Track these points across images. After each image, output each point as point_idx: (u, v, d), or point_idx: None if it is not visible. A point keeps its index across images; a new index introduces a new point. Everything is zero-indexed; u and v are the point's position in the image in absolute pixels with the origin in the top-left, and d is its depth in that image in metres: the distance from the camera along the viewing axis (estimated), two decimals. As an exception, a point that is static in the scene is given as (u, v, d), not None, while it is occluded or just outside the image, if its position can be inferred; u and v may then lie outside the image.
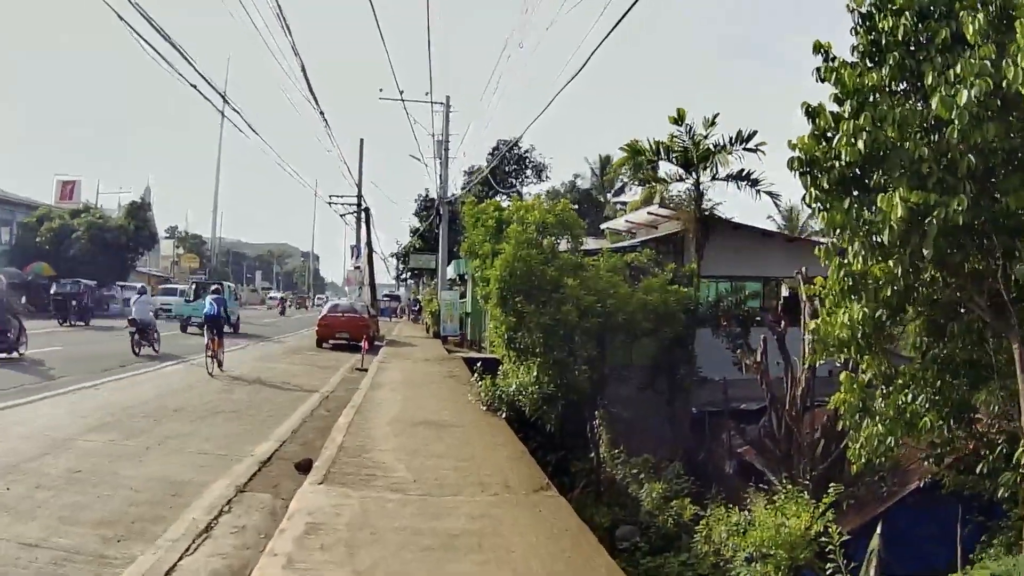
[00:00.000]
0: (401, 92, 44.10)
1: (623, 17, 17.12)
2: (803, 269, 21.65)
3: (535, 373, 18.58)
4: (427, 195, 70.77)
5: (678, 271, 26.27)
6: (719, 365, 27.03)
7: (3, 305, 24.19)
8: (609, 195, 70.90)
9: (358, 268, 54.83)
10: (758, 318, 28.73)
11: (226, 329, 30.21)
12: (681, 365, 26.20)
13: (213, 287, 34.87)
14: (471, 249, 24.27)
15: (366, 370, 26.90)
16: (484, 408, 17.79)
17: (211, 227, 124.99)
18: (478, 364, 21.58)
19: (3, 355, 23.26)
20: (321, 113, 32.32)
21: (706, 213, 29.31)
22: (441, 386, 22.47)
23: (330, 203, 52.60)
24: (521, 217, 22.72)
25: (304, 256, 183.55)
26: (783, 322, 23.08)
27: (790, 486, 17.56)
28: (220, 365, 24.77)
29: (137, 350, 27.67)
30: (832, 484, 16.32)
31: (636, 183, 61.55)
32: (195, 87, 23.83)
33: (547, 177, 70.22)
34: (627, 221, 37.86)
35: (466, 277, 42.91)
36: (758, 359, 21.77)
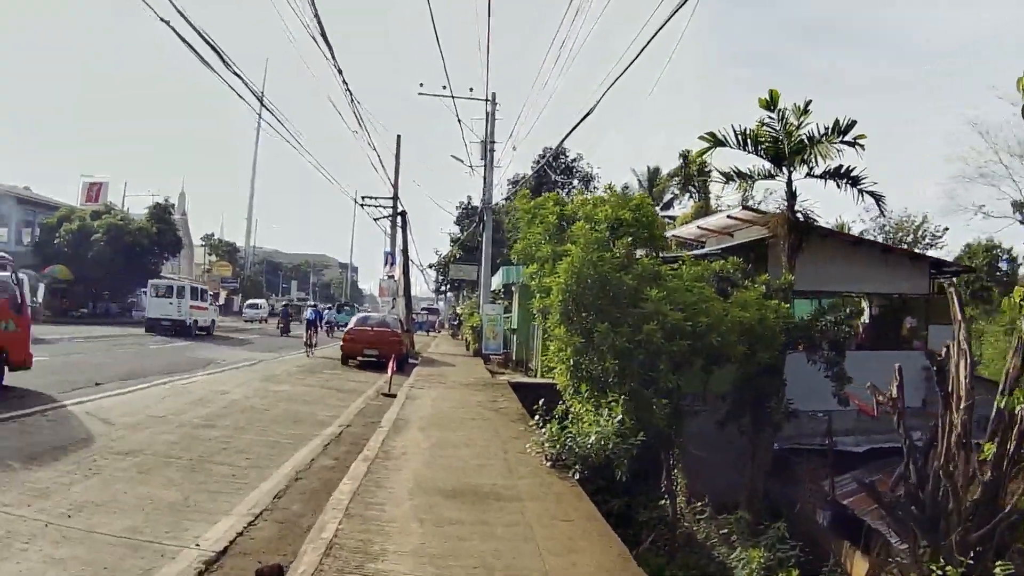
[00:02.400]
0: (444, 86, 41.21)
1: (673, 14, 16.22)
2: (953, 280, 17.24)
3: (619, 417, 13.63)
4: (469, 202, 68.45)
5: (770, 283, 21.79)
6: (808, 395, 22.55)
7: None
8: (658, 208, 67.05)
9: (392, 277, 50.96)
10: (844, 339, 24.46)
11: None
12: (772, 396, 21.58)
13: (311, 304, 54.07)
14: (526, 251, 19.69)
15: (394, 395, 22.56)
16: (547, 463, 12.99)
17: (245, 234, 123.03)
18: (540, 402, 15.95)
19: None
20: (339, 72, 27.79)
21: (799, 215, 24.95)
22: (486, 425, 17.60)
23: (363, 205, 48.46)
24: (589, 213, 18.40)
25: (342, 267, 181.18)
26: (946, 349, 18.31)
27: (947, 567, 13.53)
28: (314, 350, 38.53)
29: (308, 341, 39.55)
30: (1000, 564, 12.88)
31: (684, 196, 58.93)
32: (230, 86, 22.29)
33: (594, 188, 67.09)
34: (699, 227, 33.29)
35: (513, 289, 38.47)
36: (893, 394, 17.16)
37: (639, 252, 18.64)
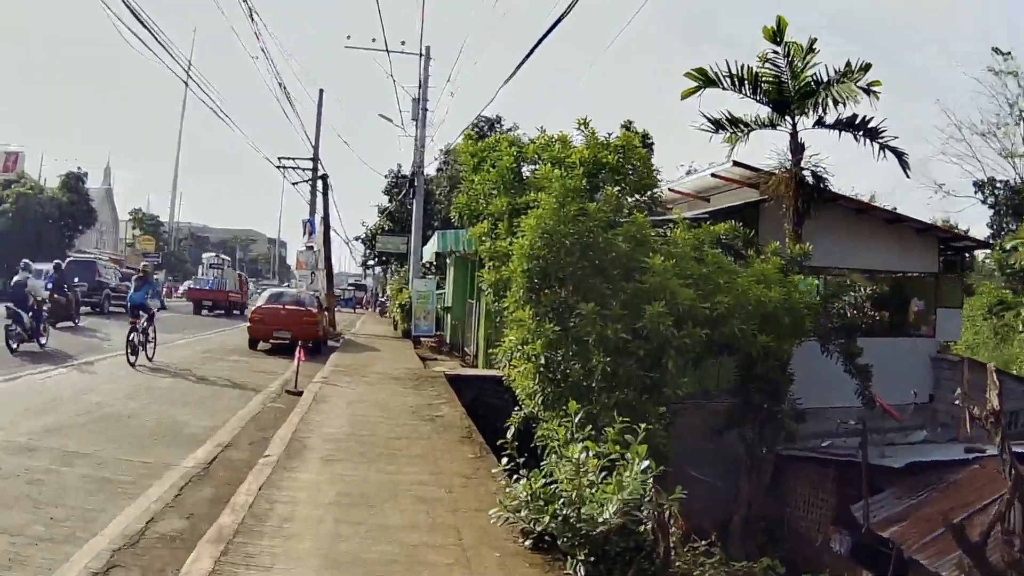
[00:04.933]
0: (373, 39, 37.21)
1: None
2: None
3: (646, 462, 7.33)
4: (399, 171, 63.80)
5: (783, 252, 17.34)
6: (808, 390, 18.30)
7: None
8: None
9: (311, 248, 45.66)
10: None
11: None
12: (781, 395, 17.23)
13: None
14: (471, 206, 14.69)
15: (300, 393, 17.58)
16: (524, 541, 7.31)
17: (169, 208, 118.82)
18: (508, 434, 9.47)
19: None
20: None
21: (805, 173, 20.64)
22: (421, 451, 11.99)
23: (281, 166, 43.20)
24: (558, 155, 13.50)
25: (271, 242, 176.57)
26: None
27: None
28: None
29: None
30: None
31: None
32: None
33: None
34: (670, 190, 28.22)
35: (448, 261, 33.62)
36: (995, 405, 12.31)
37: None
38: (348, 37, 39.30)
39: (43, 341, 22.56)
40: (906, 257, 24.91)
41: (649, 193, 14.70)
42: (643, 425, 7.50)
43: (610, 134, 14.54)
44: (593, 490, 6.99)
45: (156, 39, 21.47)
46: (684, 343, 11.22)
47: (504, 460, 8.25)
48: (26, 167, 69.04)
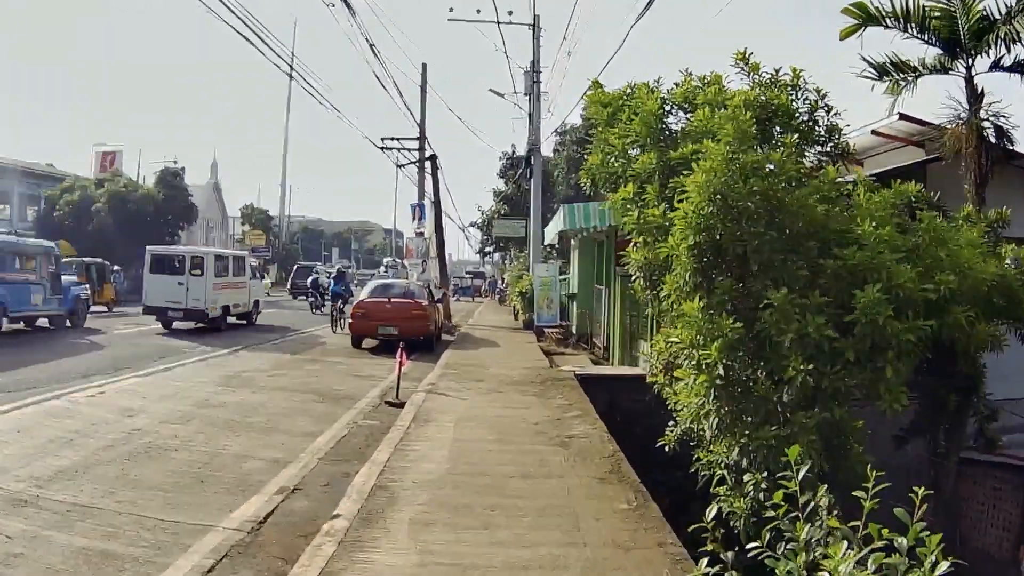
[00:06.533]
0: (478, 10, 35.13)
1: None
2: None
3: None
4: (513, 153, 61.68)
5: (980, 219, 14.23)
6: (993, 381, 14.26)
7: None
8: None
9: (420, 234, 43.32)
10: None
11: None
12: (977, 391, 13.65)
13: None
14: (607, 168, 11.69)
15: (402, 404, 15.08)
16: None
17: (279, 201, 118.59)
18: (708, 515, 5.90)
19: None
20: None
21: (985, 125, 17.40)
22: (551, 499, 8.97)
23: (384, 148, 41.10)
24: (714, 98, 10.57)
25: (387, 232, 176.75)
26: None
27: None
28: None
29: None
30: None
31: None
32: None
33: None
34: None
35: (573, 242, 31.46)
36: None
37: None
38: (451, 10, 36.76)
39: (323, 310, 41.88)
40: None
41: (834, 143, 11.56)
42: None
43: (778, 70, 11.45)
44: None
45: (259, 36, 23.26)
46: (908, 340, 8.23)
47: (705, 562, 5.00)
48: (124, 166, 68.37)
